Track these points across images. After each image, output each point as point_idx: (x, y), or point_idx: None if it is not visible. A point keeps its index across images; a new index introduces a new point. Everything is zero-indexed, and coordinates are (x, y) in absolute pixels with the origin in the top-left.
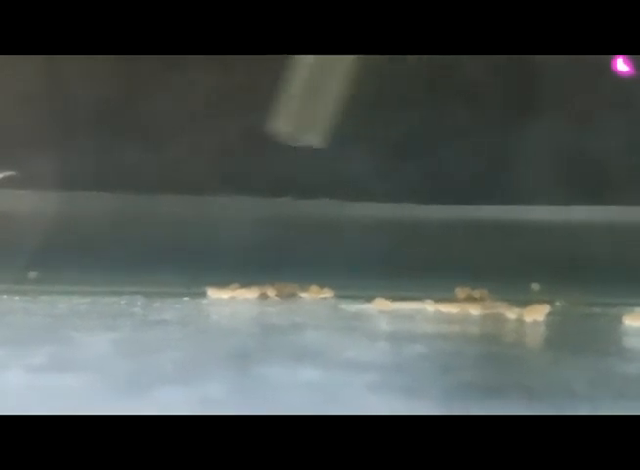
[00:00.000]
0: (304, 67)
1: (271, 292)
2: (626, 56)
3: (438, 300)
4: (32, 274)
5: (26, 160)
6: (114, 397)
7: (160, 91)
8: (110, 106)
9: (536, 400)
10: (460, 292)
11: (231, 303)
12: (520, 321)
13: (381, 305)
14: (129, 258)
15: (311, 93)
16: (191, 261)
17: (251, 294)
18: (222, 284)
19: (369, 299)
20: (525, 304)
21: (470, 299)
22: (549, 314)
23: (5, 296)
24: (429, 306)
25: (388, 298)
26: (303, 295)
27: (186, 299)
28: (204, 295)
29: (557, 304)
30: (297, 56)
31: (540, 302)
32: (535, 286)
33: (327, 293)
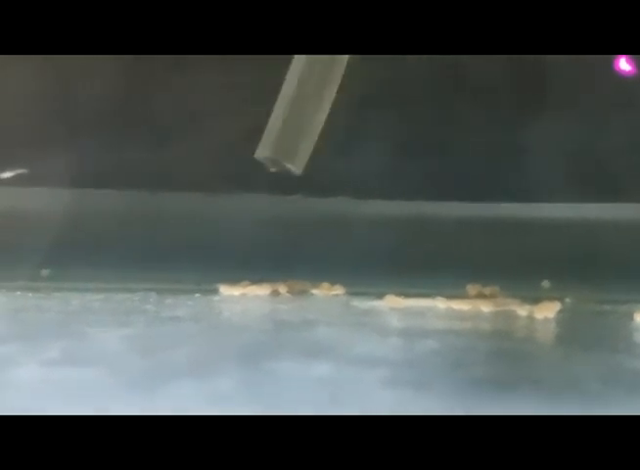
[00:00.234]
0: (285, 98)
1: (282, 289)
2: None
3: (450, 297)
4: (45, 272)
5: (38, 157)
6: (126, 391)
7: (171, 91)
8: (124, 103)
9: (547, 395)
10: (471, 289)
11: (242, 299)
12: (530, 318)
13: (392, 302)
14: (142, 256)
15: (293, 122)
16: (203, 259)
17: (262, 291)
18: (234, 281)
19: (380, 296)
20: (535, 301)
21: (481, 296)
22: (560, 311)
23: (19, 293)
24: (440, 303)
25: (399, 295)
26: (315, 292)
27: (198, 295)
28: (215, 292)
29: (567, 301)
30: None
31: (551, 299)
32: (546, 283)
33: (338, 290)
